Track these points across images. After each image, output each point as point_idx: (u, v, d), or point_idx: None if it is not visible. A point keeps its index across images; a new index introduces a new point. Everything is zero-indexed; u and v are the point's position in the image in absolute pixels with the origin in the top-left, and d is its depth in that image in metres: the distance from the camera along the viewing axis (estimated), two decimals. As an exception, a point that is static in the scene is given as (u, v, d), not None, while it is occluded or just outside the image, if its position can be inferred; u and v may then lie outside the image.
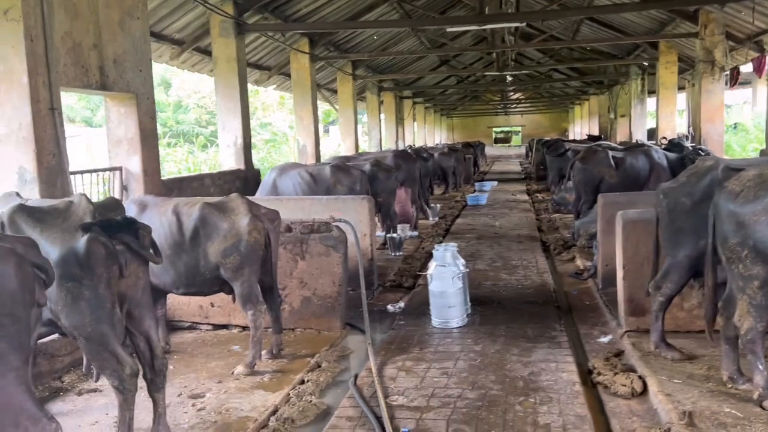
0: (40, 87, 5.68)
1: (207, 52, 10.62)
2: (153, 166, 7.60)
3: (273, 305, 4.86)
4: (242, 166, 10.14)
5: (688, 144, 11.94)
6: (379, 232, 10.19)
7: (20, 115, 5.62)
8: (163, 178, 8.23)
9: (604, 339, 5.24)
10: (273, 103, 24.69)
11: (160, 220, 4.74)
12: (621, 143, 17.24)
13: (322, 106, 20.66)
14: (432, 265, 5.93)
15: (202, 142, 21.73)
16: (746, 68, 12.29)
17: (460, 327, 5.57)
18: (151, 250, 3.27)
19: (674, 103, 15.84)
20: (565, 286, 7.13)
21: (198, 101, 24.86)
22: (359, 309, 5.68)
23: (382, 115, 23.92)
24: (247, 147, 10.24)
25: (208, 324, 5.77)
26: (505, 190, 19.18)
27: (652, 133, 21.18)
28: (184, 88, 24.95)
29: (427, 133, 35.93)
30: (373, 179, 9.34)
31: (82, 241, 2.97)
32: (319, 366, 4.73)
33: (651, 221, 4.83)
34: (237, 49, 9.96)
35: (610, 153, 9.97)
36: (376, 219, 9.83)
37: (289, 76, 13.76)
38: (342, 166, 8.54)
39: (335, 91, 17.36)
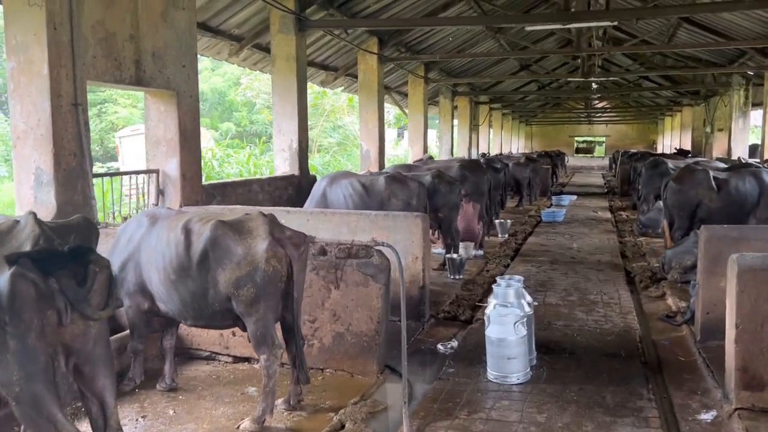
0: (63, 79, 5.14)
1: (268, 49, 10.03)
2: (193, 170, 7.02)
3: (294, 349, 4.05)
4: (296, 172, 9.47)
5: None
6: (439, 249, 9.30)
7: (39, 111, 5.10)
8: (206, 182, 7.66)
9: (707, 416, 4.11)
10: (344, 105, 24.21)
11: (167, 238, 4.04)
12: (717, 159, 15.55)
13: (395, 110, 19.93)
14: (491, 303, 4.96)
15: (265, 143, 21.39)
16: None
17: (521, 384, 4.58)
18: (102, 295, 2.51)
19: (785, 117, 14.05)
20: (654, 333, 5.96)
21: (266, 101, 24.64)
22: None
23: (455, 121, 22.93)
24: (303, 151, 9.58)
25: (228, 355, 5.04)
26: (585, 206, 17.75)
27: (754, 150, 19.15)
28: (252, 87, 24.83)
29: (504, 140, 34.55)
30: (434, 192, 8.43)
31: (4, 277, 2.25)
32: (343, 427, 3.89)
33: (779, 271, 3.71)
34: (297, 47, 9.31)
35: (711, 173, 8.62)
36: (435, 236, 8.93)
37: (356, 77, 13.06)
38: (398, 177, 7.68)
39: (406, 95, 16.55)
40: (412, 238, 6.23)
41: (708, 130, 21.78)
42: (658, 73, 20.47)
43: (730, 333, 4.13)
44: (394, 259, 4.49)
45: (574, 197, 19.80)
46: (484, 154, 26.28)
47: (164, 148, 6.79)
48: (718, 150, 20.49)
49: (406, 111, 16.66)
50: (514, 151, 31.93)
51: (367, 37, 12.42)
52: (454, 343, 5.58)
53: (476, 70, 19.07)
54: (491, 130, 31.00)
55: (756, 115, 20.07)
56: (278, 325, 4.07)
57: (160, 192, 6.82)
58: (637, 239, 11.56)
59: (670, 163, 12.64)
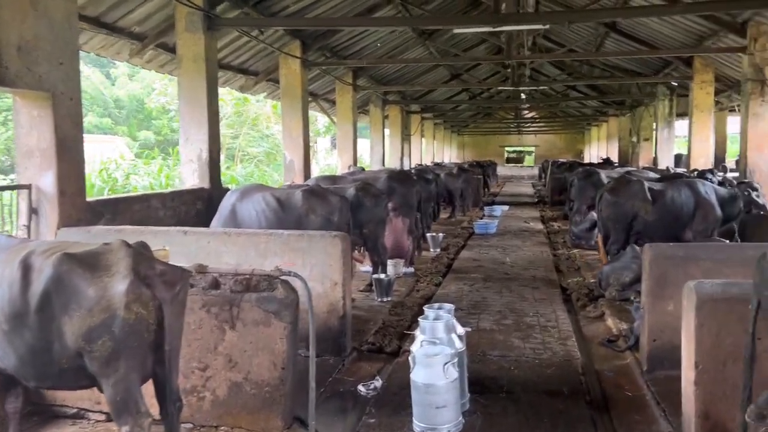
0: None
1: (175, 49, 9.07)
2: (75, 185, 6.02)
3: (168, 413, 3.20)
4: (206, 185, 8.54)
5: (716, 176, 10.25)
6: (366, 268, 8.60)
7: None
8: (94, 198, 6.65)
9: (664, 469, 3.54)
10: (270, 113, 23.16)
11: (0, 276, 3.12)
12: (645, 168, 15.59)
13: (323, 119, 19.14)
14: (418, 340, 4.26)
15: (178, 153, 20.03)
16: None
17: (452, 438, 3.89)
18: None
19: (709, 128, 14.16)
20: (597, 361, 5.42)
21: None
22: (320, 387, 4.06)
23: (387, 130, 22.37)
24: (214, 162, 8.66)
25: (101, 412, 4.12)
26: (517, 216, 17.50)
27: (678, 159, 19.50)
28: (166, 92, 23.34)
29: (437, 150, 34.35)
30: (358, 207, 7.70)
31: None
32: None
33: (744, 301, 3.17)
34: (206, 47, 8.42)
35: (647, 184, 8.29)
36: (362, 253, 8.22)
37: (279, 83, 12.22)
38: (317, 190, 6.91)
39: (334, 102, 15.81)
40: (330, 260, 5.47)
41: (634, 139, 22.13)
42: (585, 83, 20.60)
43: (689, 373, 3.58)
44: (306, 290, 3.75)
45: (506, 207, 19.58)
46: (417, 165, 25.84)
47: (38, 159, 5.76)
48: (644, 159, 20.78)
49: (335, 119, 15.92)
50: (447, 161, 31.71)
51: (289, 39, 11.62)
52: (378, 383, 4.85)
53: (407, 78, 18.58)
54: (423, 140, 30.69)
55: (680, 125, 20.48)
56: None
57: (33, 211, 5.78)
58: (571, 251, 11.22)
59: (603, 173, 12.42)
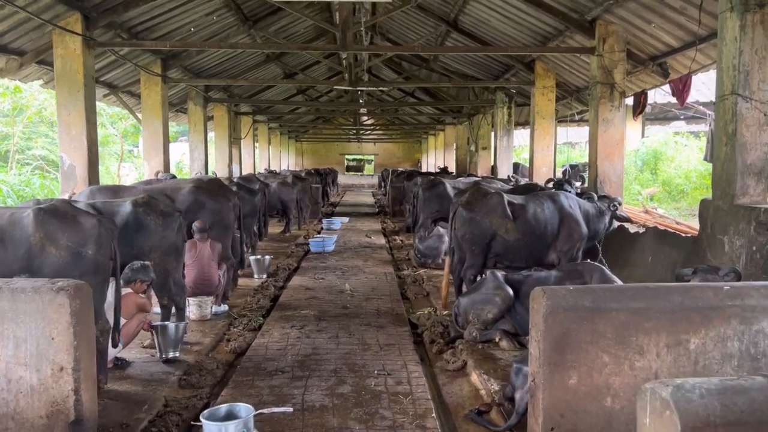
0: None
1: None
2: None
3: None
4: None
5: (574, 188, 9.45)
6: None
7: None
8: None
9: None
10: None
11: None
12: (485, 178, 14.87)
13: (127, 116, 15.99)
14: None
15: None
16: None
17: None
18: None
19: (551, 135, 13.69)
20: (469, 452, 3.81)
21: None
22: None
23: (212, 133, 19.83)
24: None
25: None
26: (358, 229, 15.99)
27: (516, 168, 19.28)
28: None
29: (272, 157, 32.09)
30: (138, 229, 5.50)
31: None
32: None
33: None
34: None
35: (506, 197, 7.00)
36: (147, 296, 6.00)
37: (52, 66, 9.45)
38: (61, 209, 4.58)
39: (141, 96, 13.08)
40: (53, 331, 3.31)
41: (472, 148, 21.73)
42: (423, 85, 19.71)
43: None
44: None
45: (346, 219, 18.09)
46: (273, 171, 23.38)
47: None
48: (482, 169, 20.38)
49: (140, 116, 13.21)
50: (285, 169, 29.63)
51: (64, 10, 8.94)
52: None
53: (232, 73, 16.29)
54: (257, 146, 28.32)
55: (517, 135, 20.37)
56: None
57: None
58: (417, 272, 9.82)
59: (448, 184, 11.22)
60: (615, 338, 3.35)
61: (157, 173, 12.03)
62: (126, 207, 5.55)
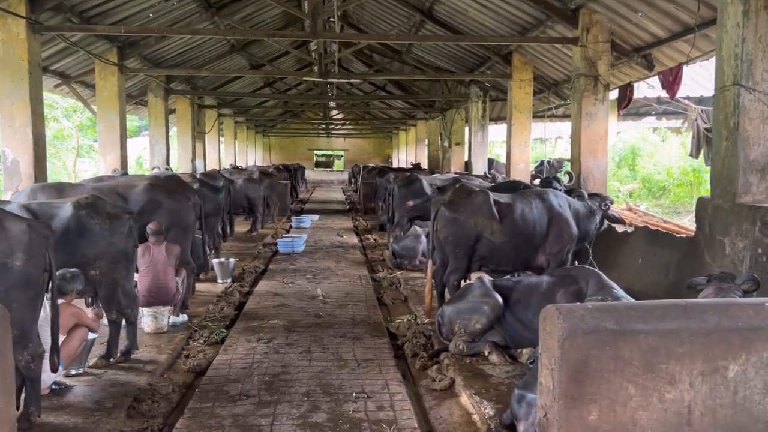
0: None
1: None
2: None
3: None
4: None
5: (562, 185, 8.97)
6: (177, 318, 5.87)
7: None
8: None
9: None
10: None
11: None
12: (458, 174, 14.42)
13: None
14: None
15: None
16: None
17: None
18: None
19: (529, 130, 13.26)
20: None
21: None
22: None
23: (175, 128, 18.94)
24: None
25: None
26: (329, 228, 15.36)
27: (490, 164, 18.85)
28: None
29: (239, 152, 31.14)
30: (81, 234, 4.82)
31: None
32: None
33: None
34: None
35: (492, 196, 6.48)
36: (96, 309, 5.34)
37: (-7, 51, 8.59)
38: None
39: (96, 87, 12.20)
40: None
41: (446, 144, 21.26)
42: (396, 77, 19.12)
43: None
44: None
45: (316, 217, 17.42)
46: (239, 167, 22.40)
47: None
48: (456, 165, 19.93)
49: (95, 108, 12.33)
50: (252, 165, 28.74)
51: (4, -12, 8.13)
52: None
53: (194, 63, 15.45)
54: (223, 141, 27.38)
55: (490, 130, 19.93)
56: None
57: None
58: (393, 274, 9.27)
59: (425, 180, 10.69)
60: (642, 366, 2.83)
61: (114, 170, 11.21)
62: (66, 209, 4.85)
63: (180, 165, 17.77)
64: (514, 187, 7.72)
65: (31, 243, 3.89)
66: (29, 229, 3.92)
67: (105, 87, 11.85)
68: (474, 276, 6.36)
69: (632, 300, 4.94)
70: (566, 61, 11.63)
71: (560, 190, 7.33)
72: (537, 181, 9.08)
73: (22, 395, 4.01)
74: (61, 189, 6.68)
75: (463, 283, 6.36)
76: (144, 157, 28.45)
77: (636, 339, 2.83)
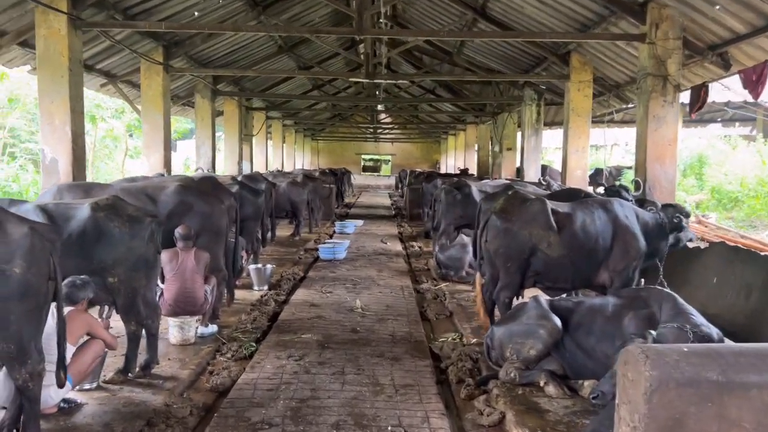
0: None
1: None
2: None
3: None
4: None
5: (631, 194, 8.17)
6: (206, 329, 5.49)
7: None
8: None
9: None
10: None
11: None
12: (508, 180, 13.69)
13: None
14: None
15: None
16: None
17: None
18: None
19: (587, 135, 12.44)
20: None
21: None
22: None
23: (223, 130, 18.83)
24: None
25: None
26: (373, 234, 14.89)
27: (543, 171, 18.01)
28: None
29: (287, 155, 31.07)
30: (98, 239, 4.44)
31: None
32: None
33: None
34: None
35: (549, 205, 5.83)
36: (106, 320, 4.95)
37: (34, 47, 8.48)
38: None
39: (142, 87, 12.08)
40: None
41: (496, 149, 20.50)
42: (440, 78, 18.49)
43: None
44: None
45: (361, 222, 16.98)
46: (279, 170, 22.28)
47: None
48: (507, 171, 19.16)
49: (140, 108, 12.21)
50: (300, 168, 28.57)
51: (48, -13, 7.96)
52: None
53: (241, 63, 15.26)
54: (271, 144, 27.30)
55: (544, 136, 19.09)
56: None
57: None
58: (437, 286, 8.69)
59: (474, 187, 10.06)
60: (755, 429, 2.19)
61: (165, 170, 11.02)
62: (83, 211, 4.48)
63: (227, 167, 17.63)
64: (573, 196, 7.01)
65: (33, 248, 3.50)
66: (31, 232, 3.53)
67: (150, 86, 11.70)
68: (527, 294, 5.73)
69: (716, 330, 4.25)
70: (629, 61, 10.81)
71: (629, 200, 6.60)
72: (600, 190, 8.30)
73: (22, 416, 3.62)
74: (88, 189, 6.37)
75: (515, 302, 5.74)
76: (192, 159, 28.66)
77: (747, 395, 2.19)
